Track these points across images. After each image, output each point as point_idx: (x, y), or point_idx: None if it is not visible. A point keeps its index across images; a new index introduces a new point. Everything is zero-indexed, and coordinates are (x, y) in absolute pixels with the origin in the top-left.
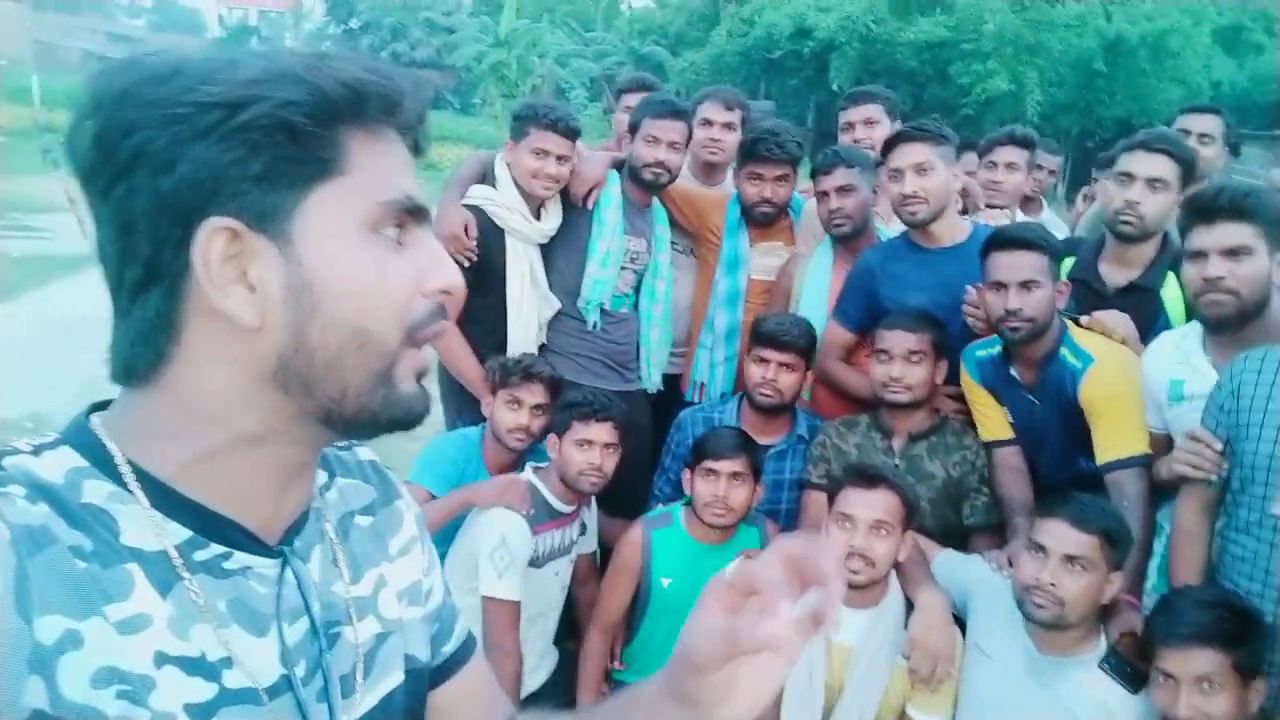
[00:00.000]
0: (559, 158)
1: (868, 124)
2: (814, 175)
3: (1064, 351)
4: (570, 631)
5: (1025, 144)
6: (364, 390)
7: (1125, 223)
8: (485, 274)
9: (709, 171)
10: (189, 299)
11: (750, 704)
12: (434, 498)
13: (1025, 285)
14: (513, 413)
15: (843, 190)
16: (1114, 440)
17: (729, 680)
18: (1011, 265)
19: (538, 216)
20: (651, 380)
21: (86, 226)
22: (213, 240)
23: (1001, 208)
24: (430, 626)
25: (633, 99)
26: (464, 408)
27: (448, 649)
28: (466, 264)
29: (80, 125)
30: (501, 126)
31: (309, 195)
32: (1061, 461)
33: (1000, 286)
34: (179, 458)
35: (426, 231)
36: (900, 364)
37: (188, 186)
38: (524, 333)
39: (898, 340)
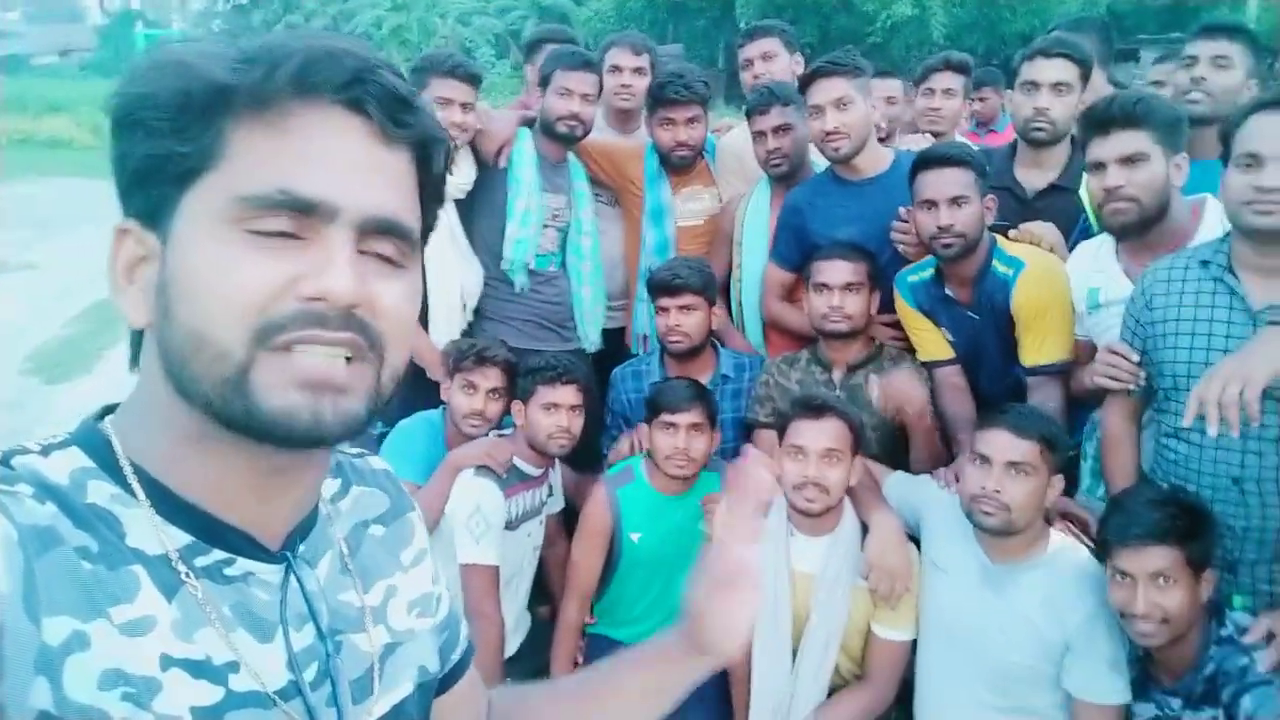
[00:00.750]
0: (462, 105)
1: (765, 58)
2: (749, 115)
3: (995, 264)
4: (541, 596)
5: (961, 69)
6: (217, 398)
7: (1037, 129)
8: None
9: (624, 119)
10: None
11: (742, 632)
12: (418, 487)
13: (955, 201)
14: (468, 397)
15: (780, 130)
16: (1038, 346)
17: (723, 618)
18: (940, 183)
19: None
20: (589, 339)
21: None
22: (122, 240)
23: (940, 134)
24: (439, 637)
25: (618, 56)
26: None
27: (455, 656)
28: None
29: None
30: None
31: (187, 191)
32: (1002, 372)
33: (930, 204)
34: (164, 456)
35: (334, 232)
36: (838, 294)
37: (117, 185)
38: (446, 295)
39: (835, 271)
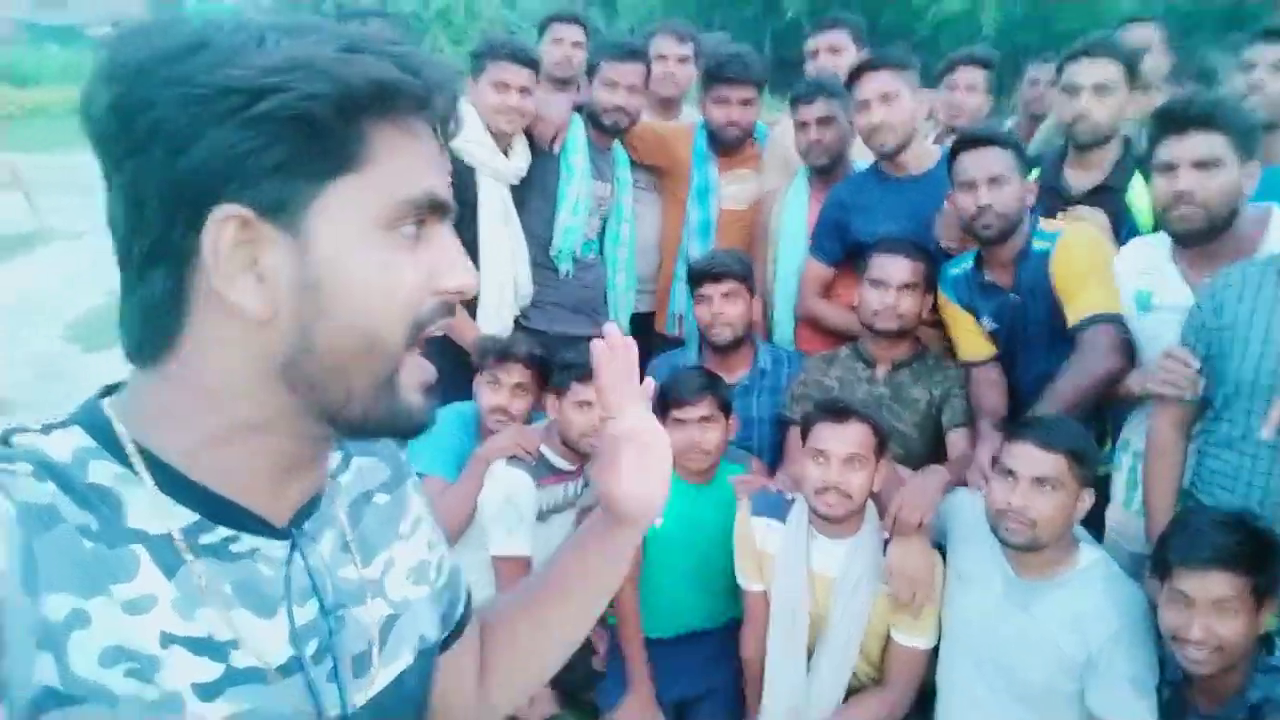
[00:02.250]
0: (520, 89)
1: (832, 51)
2: (794, 104)
3: (1035, 242)
4: None
5: (985, 64)
6: (368, 396)
7: (1079, 131)
8: (458, 217)
9: (665, 106)
10: (197, 281)
11: (657, 495)
12: (448, 484)
13: (994, 181)
14: (493, 393)
15: (823, 121)
16: (1085, 299)
17: (634, 483)
18: (978, 163)
19: (506, 157)
20: (621, 324)
21: (34, 203)
22: (224, 227)
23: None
24: (439, 603)
25: (560, 29)
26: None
27: (458, 612)
28: (450, 195)
29: (96, 91)
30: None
31: (326, 189)
32: (1046, 355)
33: (970, 186)
34: (185, 441)
35: (446, 227)
36: (895, 293)
37: (203, 170)
38: (497, 279)
39: (896, 268)
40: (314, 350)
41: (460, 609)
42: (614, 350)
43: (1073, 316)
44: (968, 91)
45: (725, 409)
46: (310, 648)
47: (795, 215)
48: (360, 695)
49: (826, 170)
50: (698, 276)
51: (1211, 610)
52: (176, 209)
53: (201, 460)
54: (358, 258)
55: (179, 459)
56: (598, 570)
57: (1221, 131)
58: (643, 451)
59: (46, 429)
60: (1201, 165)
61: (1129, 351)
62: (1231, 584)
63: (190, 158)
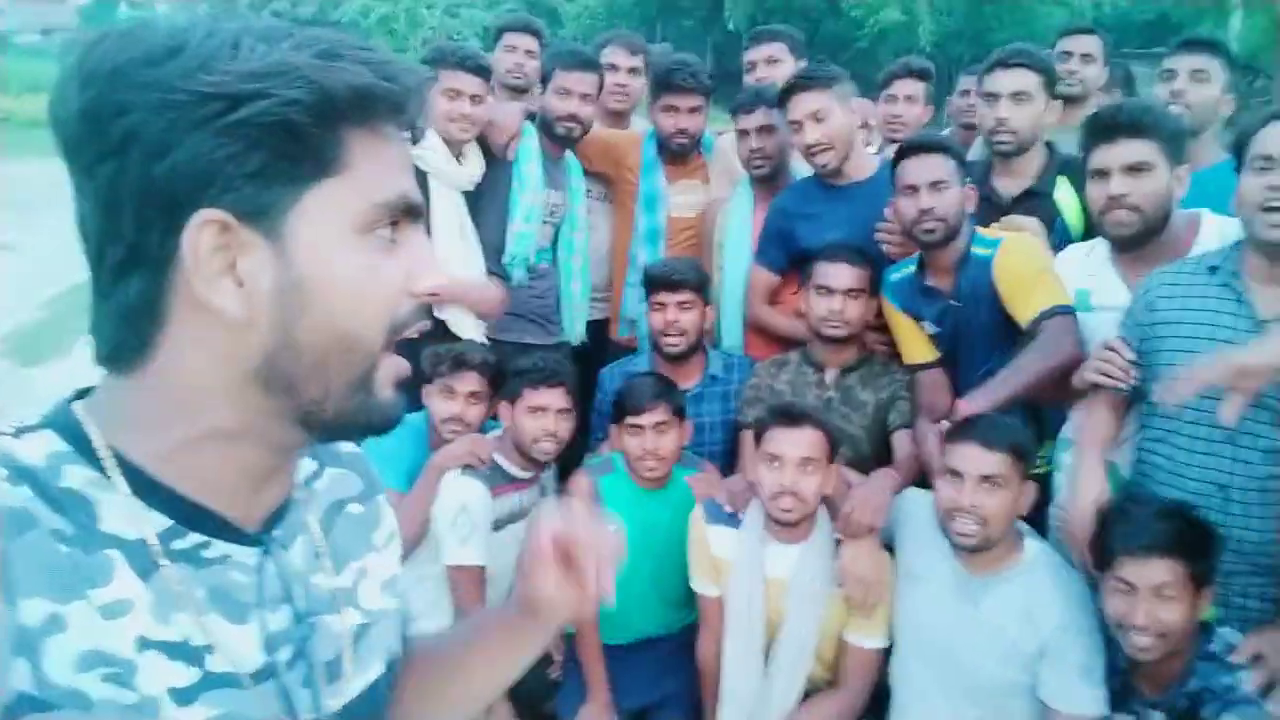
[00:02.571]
0: (472, 97)
1: (770, 63)
2: (734, 114)
3: (975, 248)
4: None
5: (923, 76)
6: (345, 394)
7: (1000, 140)
8: None
9: (614, 119)
10: (174, 287)
11: (579, 603)
12: (402, 496)
13: (935, 185)
14: (446, 402)
15: (763, 130)
16: (1038, 298)
17: (554, 588)
18: (921, 168)
19: (459, 163)
20: (576, 332)
21: None
22: (203, 231)
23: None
24: (400, 620)
25: (513, 38)
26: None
27: (408, 633)
28: (421, 198)
29: (67, 96)
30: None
31: (305, 193)
32: (987, 358)
33: (912, 190)
34: (158, 446)
35: (419, 230)
36: (840, 298)
37: (180, 175)
38: None
39: (840, 275)
40: (295, 350)
41: (408, 631)
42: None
43: (1028, 314)
44: (907, 103)
45: (679, 414)
46: (284, 654)
47: (739, 224)
48: (333, 701)
49: (769, 179)
50: (654, 283)
51: (1154, 596)
52: (153, 214)
53: (174, 465)
54: (338, 260)
55: (152, 463)
56: (503, 657)
57: (1151, 137)
58: (569, 559)
59: (18, 433)
60: (1132, 170)
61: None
62: (1172, 570)
63: (168, 163)
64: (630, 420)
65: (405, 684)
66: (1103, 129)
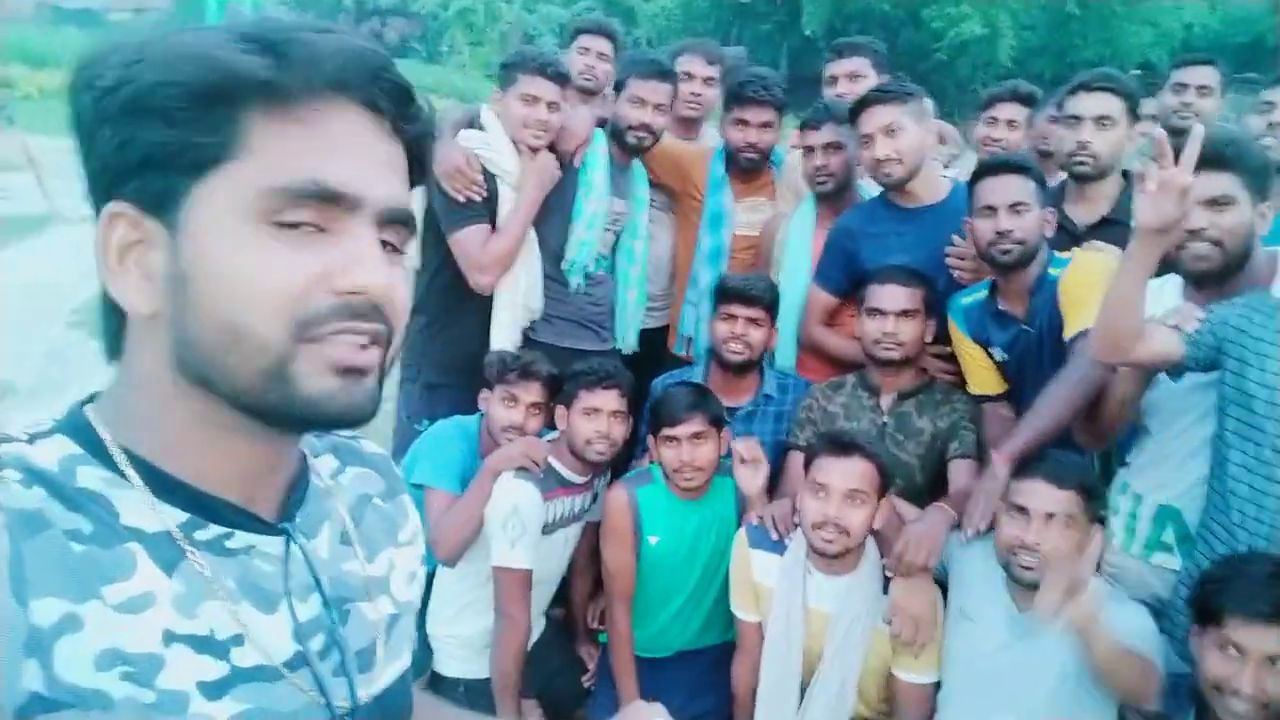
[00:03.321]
0: (549, 104)
1: (852, 78)
2: (801, 129)
3: (1050, 271)
4: (556, 598)
5: (1028, 101)
6: (255, 388)
7: (1080, 163)
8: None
9: (686, 127)
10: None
11: None
12: (455, 497)
13: (1014, 208)
14: (508, 410)
15: (829, 147)
16: (1085, 314)
17: None
18: (1000, 188)
19: None
20: (627, 341)
21: (45, 185)
22: (113, 225)
23: None
24: (413, 619)
25: (587, 40)
26: (435, 407)
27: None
28: (478, 199)
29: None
30: (470, 75)
31: (201, 181)
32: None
33: (990, 210)
34: (159, 441)
35: (360, 223)
36: (893, 320)
37: (99, 169)
38: (511, 293)
39: (891, 296)
40: (191, 344)
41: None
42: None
43: (1070, 330)
44: (1008, 127)
45: (718, 425)
46: (315, 643)
47: (800, 241)
48: (365, 691)
49: (832, 197)
50: (728, 294)
51: (1265, 665)
52: (98, 210)
53: (181, 459)
54: (222, 249)
55: (161, 459)
56: None
57: (1233, 170)
58: None
59: (32, 438)
60: (1213, 203)
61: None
62: None
63: (92, 158)
64: (666, 431)
65: None
66: None
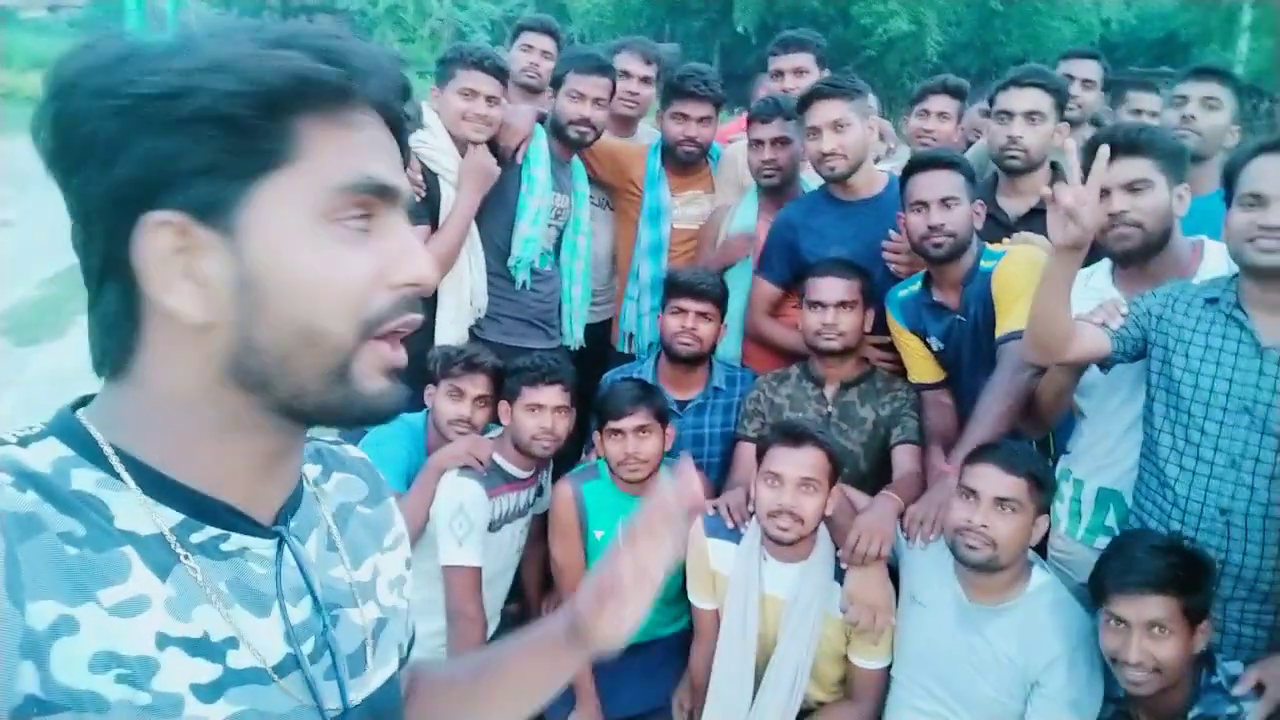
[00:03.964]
0: (488, 98)
1: (797, 73)
2: (750, 123)
3: (982, 263)
4: (511, 593)
5: (957, 94)
6: (320, 389)
7: (1011, 157)
8: (418, 221)
9: (623, 124)
10: (146, 293)
11: (626, 630)
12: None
13: (945, 202)
14: (454, 404)
15: (778, 142)
16: (1016, 314)
17: (613, 616)
18: (931, 184)
19: None
20: (575, 337)
21: None
22: (157, 234)
23: None
24: (407, 621)
25: (531, 38)
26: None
27: (408, 645)
28: (418, 199)
29: (41, 110)
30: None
31: (257, 187)
32: (979, 374)
33: (922, 206)
34: (162, 446)
35: (398, 216)
36: (833, 311)
37: (133, 179)
38: (456, 292)
39: (830, 288)
40: (258, 349)
41: (408, 644)
42: (667, 496)
43: (1000, 329)
44: (939, 119)
45: (662, 419)
46: (307, 646)
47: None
48: (356, 694)
49: (777, 190)
50: (678, 289)
51: (1146, 632)
52: (116, 221)
53: (182, 463)
54: (293, 253)
55: (160, 463)
56: (541, 679)
57: (1147, 155)
58: (629, 591)
59: (23, 441)
60: (1131, 187)
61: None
62: (1164, 606)
63: (121, 168)
64: (611, 425)
65: (413, 712)
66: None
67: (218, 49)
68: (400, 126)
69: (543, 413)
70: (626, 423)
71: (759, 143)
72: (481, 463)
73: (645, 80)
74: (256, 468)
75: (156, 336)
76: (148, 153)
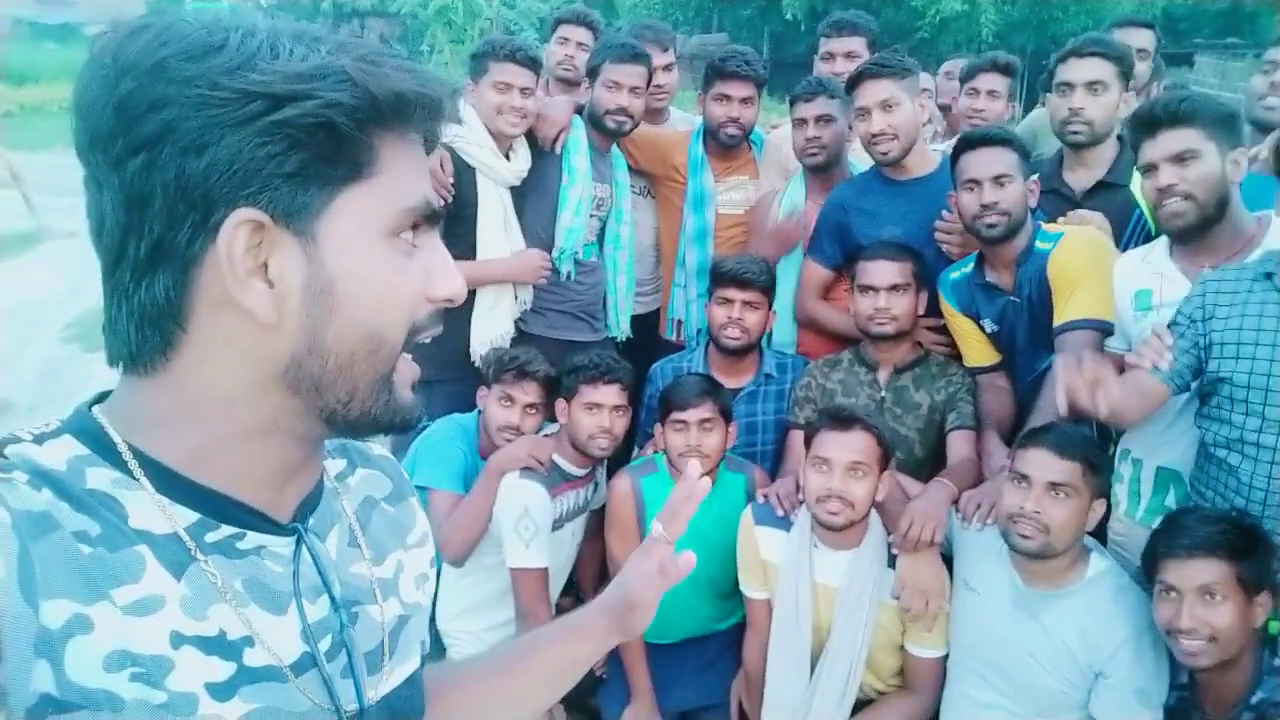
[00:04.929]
0: (522, 90)
1: (849, 57)
2: (793, 102)
3: (1037, 243)
4: (565, 586)
5: (1007, 71)
6: (369, 394)
7: (1074, 131)
8: (456, 216)
9: (652, 115)
10: (200, 286)
11: (652, 615)
12: (459, 497)
13: (998, 180)
14: (504, 410)
15: (821, 119)
16: (1075, 303)
17: (648, 603)
18: (983, 162)
19: (507, 159)
20: (622, 328)
21: (32, 201)
22: (238, 231)
23: None
24: (426, 616)
25: (567, 30)
26: (431, 403)
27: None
28: (441, 203)
29: (98, 87)
30: (452, 73)
31: (338, 196)
32: (1045, 356)
33: (974, 184)
34: (184, 445)
35: (435, 235)
36: (885, 295)
37: (218, 173)
38: (500, 286)
39: (881, 271)
40: (322, 352)
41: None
42: (688, 480)
43: (1059, 317)
44: (989, 98)
45: (726, 415)
46: (324, 644)
47: (793, 216)
48: (373, 692)
49: (822, 169)
50: (724, 278)
51: (1198, 598)
52: (185, 210)
53: (200, 463)
54: (368, 263)
55: (177, 462)
56: (573, 662)
57: (1191, 124)
58: (668, 577)
59: (39, 439)
60: (1177, 159)
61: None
62: (1213, 570)
63: (205, 160)
64: (676, 416)
65: (443, 708)
66: (1143, 124)
67: (312, 57)
68: (431, 150)
69: (601, 412)
70: (691, 414)
71: (803, 121)
72: (542, 464)
73: (667, 68)
74: (276, 471)
75: (209, 331)
76: (238, 150)
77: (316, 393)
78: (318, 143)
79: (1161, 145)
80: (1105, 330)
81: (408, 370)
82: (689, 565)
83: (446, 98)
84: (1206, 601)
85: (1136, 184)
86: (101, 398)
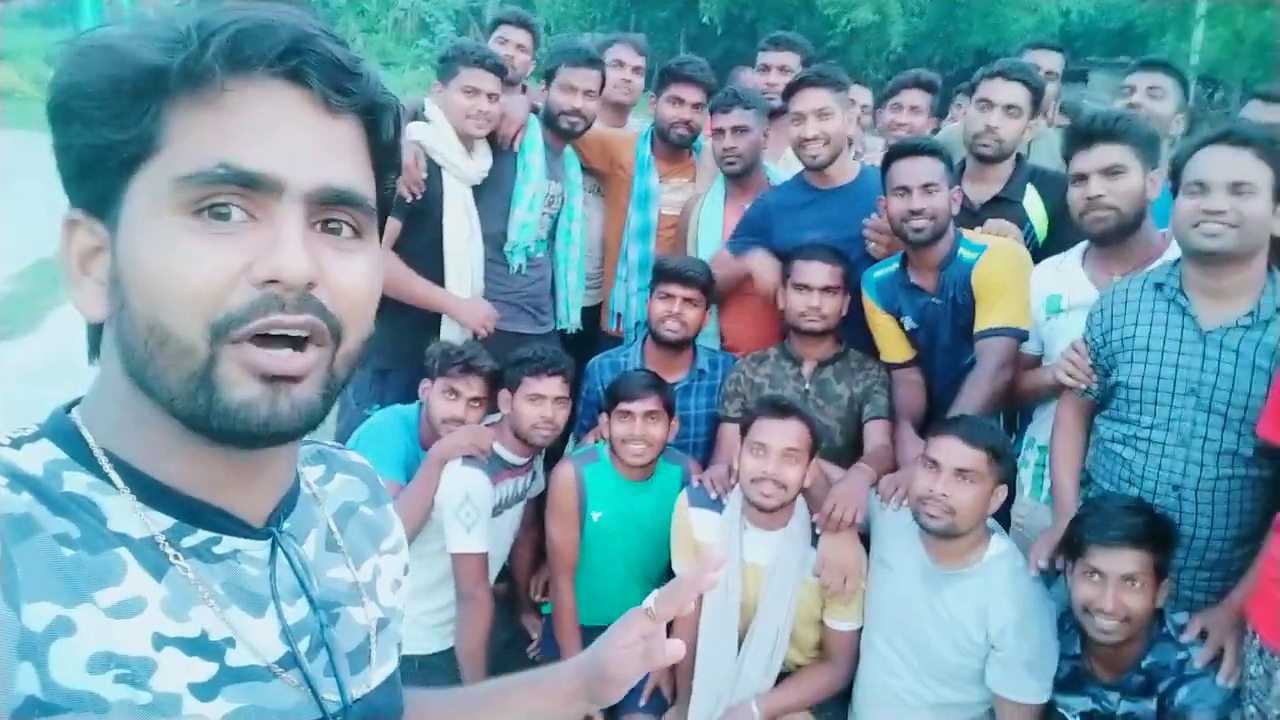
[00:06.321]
0: (489, 95)
1: (782, 70)
2: (711, 113)
3: (961, 250)
4: (500, 574)
5: (929, 88)
6: (182, 394)
7: (984, 144)
8: (423, 213)
9: (617, 112)
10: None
11: (626, 688)
12: (401, 486)
13: (926, 188)
14: (449, 403)
15: (738, 130)
16: (995, 311)
17: (625, 675)
18: (913, 170)
19: (470, 158)
20: (572, 320)
21: None
22: (74, 231)
23: None
24: (401, 619)
25: (507, 31)
26: (385, 392)
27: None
28: (410, 198)
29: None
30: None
31: (132, 179)
32: (960, 356)
33: (904, 191)
34: (142, 446)
35: (282, 208)
36: (818, 295)
37: (64, 177)
38: (459, 275)
39: (817, 272)
40: (128, 348)
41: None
42: (703, 572)
43: (980, 324)
44: (911, 113)
45: (669, 409)
46: (303, 644)
47: (711, 219)
48: (356, 690)
49: (740, 176)
50: (666, 275)
51: (1122, 584)
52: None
53: (165, 464)
54: (144, 245)
55: (146, 465)
56: (532, 716)
57: (1124, 142)
58: (651, 656)
59: (16, 443)
60: (1108, 172)
61: (1017, 364)
62: (1138, 560)
63: (59, 167)
64: (623, 406)
65: None
66: (1081, 136)
67: (78, 44)
68: (335, 100)
69: (544, 403)
70: (638, 406)
71: (720, 131)
72: (484, 451)
73: (637, 70)
74: (235, 471)
75: (107, 331)
76: (56, 148)
77: (150, 391)
78: (89, 129)
79: (1095, 158)
80: (1022, 337)
81: (241, 363)
82: (677, 654)
83: (233, 50)
84: (1128, 587)
85: (1028, 200)
86: (79, 401)
